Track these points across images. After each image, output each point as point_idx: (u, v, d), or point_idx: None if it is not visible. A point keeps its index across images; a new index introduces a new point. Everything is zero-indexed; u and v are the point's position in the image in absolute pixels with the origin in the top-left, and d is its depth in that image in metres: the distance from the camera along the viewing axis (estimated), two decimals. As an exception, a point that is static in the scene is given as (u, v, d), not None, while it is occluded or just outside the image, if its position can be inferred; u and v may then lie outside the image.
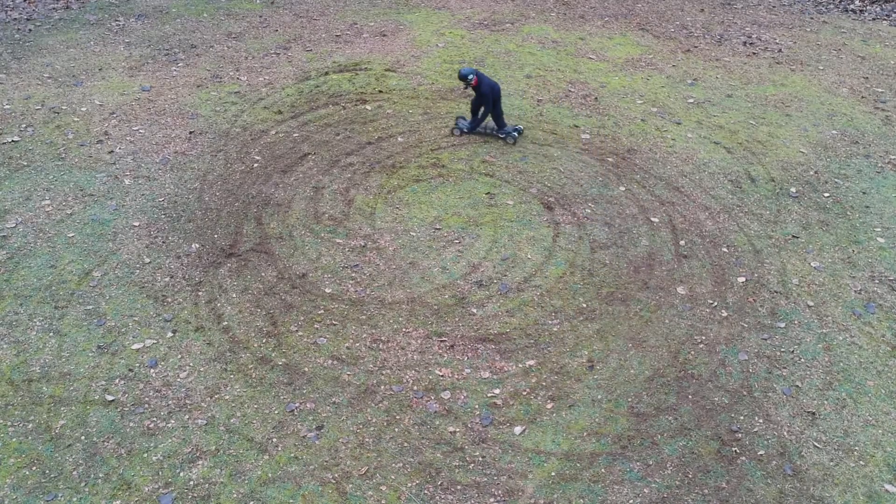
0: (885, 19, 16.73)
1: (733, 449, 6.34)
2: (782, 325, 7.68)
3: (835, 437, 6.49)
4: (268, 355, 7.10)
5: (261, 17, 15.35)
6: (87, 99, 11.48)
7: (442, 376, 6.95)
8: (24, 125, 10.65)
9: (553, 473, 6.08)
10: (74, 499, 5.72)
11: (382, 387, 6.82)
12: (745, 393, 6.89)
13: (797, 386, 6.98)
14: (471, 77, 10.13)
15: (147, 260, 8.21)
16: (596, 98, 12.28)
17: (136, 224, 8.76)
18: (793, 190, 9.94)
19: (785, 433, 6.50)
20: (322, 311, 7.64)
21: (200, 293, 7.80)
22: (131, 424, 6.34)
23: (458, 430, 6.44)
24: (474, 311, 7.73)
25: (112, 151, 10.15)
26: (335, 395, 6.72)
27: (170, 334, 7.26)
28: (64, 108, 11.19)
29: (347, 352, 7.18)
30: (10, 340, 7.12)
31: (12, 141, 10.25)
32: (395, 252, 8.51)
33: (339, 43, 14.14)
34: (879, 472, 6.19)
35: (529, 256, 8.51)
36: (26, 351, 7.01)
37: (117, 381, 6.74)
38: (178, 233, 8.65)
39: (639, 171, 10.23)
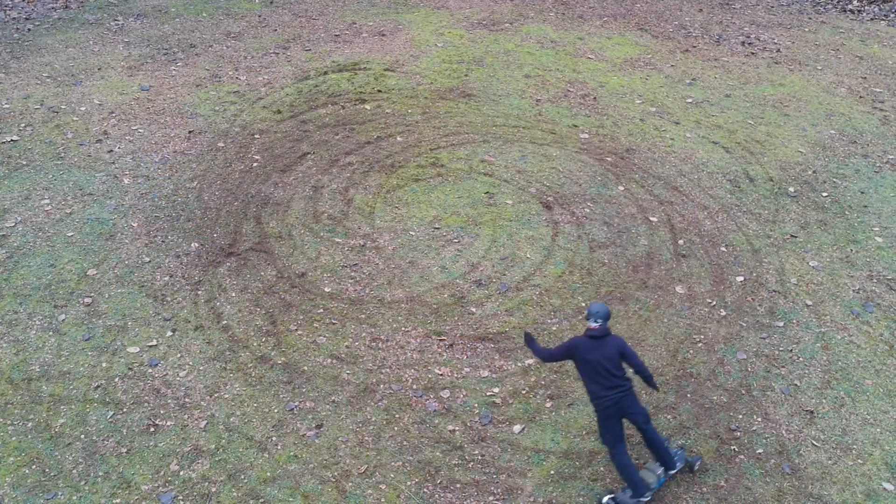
0: (883, 19, 16.76)
1: (732, 447, 6.35)
2: (781, 324, 7.70)
3: (833, 435, 6.51)
4: (267, 354, 7.11)
5: (260, 16, 15.35)
6: (87, 98, 11.47)
7: (441, 375, 6.96)
8: (23, 125, 10.65)
9: (552, 472, 6.09)
10: (74, 497, 5.73)
11: (382, 386, 6.83)
12: (743, 392, 6.90)
13: (795, 385, 7.00)
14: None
15: (146, 259, 8.21)
16: (595, 98, 12.30)
17: (135, 223, 8.76)
18: (791, 189, 9.96)
19: (783, 432, 6.51)
20: (321, 311, 7.65)
21: (200, 292, 7.80)
22: (131, 423, 6.35)
23: (457, 428, 6.45)
24: (473, 310, 7.74)
25: (111, 151, 10.15)
26: (335, 393, 6.73)
27: (169, 333, 7.27)
28: (63, 107, 11.18)
29: (347, 351, 7.19)
30: (10, 339, 7.12)
31: (11, 140, 10.24)
32: (394, 251, 8.52)
33: (339, 43, 14.15)
34: (877, 470, 6.20)
35: (528, 256, 8.52)
36: (26, 350, 7.01)
37: (117, 380, 6.75)
38: (178, 232, 8.65)
39: (637, 170, 10.25)
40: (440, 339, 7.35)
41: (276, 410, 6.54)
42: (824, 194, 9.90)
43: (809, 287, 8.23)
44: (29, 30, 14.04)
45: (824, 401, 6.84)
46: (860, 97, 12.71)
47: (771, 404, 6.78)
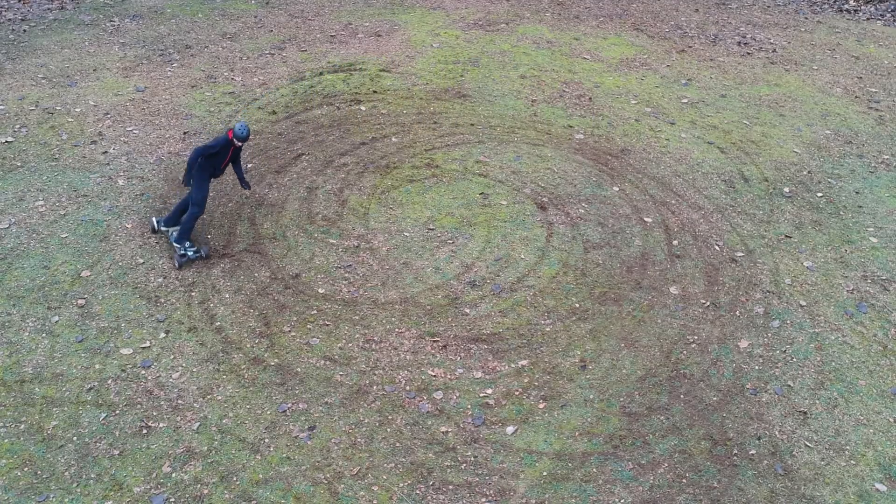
0: (878, 19, 16.77)
1: (725, 448, 6.35)
2: (775, 324, 7.70)
3: (826, 436, 6.51)
4: (260, 356, 7.10)
5: (256, 17, 15.34)
6: (82, 99, 11.46)
7: (434, 376, 6.96)
8: (18, 126, 10.64)
9: (545, 473, 6.09)
10: (66, 499, 5.72)
11: (375, 387, 6.83)
12: (736, 392, 6.90)
13: (789, 385, 7.00)
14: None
15: (140, 260, 8.21)
16: (590, 98, 12.30)
17: (130, 224, 8.75)
18: (786, 190, 9.96)
19: (776, 433, 6.51)
20: (315, 312, 7.64)
21: (193, 294, 7.79)
22: (123, 425, 6.34)
23: (450, 430, 6.44)
24: (467, 311, 7.73)
25: (106, 152, 10.14)
26: (327, 395, 6.72)
27: (162, 335, 7.26)
28: (58, 108, 11.17)
29: (340, 352, 7.18)
30: (3, 341, 7.11)
31: (6, 141, 10.23)
32: (388, 252, 8.51)
33: (334, 43, 14.14)
34: (870, 471, 6.21)
35: (523, 256, 8.52)
36: (19, 352, 7.00)
37: (110, 381, 6.74)
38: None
39: (632, 171, 10.25)
40: (434, 341, 7.35)
41: (268, 412, 6.53)
42: (819, 194, 9.90)
43: (804, 287, 8.24)
44: (24, 31, 14.03)
45: (817, 401, 6.84)
46: (856, 97, 12.71)
47: (764, 405, 6.78)
